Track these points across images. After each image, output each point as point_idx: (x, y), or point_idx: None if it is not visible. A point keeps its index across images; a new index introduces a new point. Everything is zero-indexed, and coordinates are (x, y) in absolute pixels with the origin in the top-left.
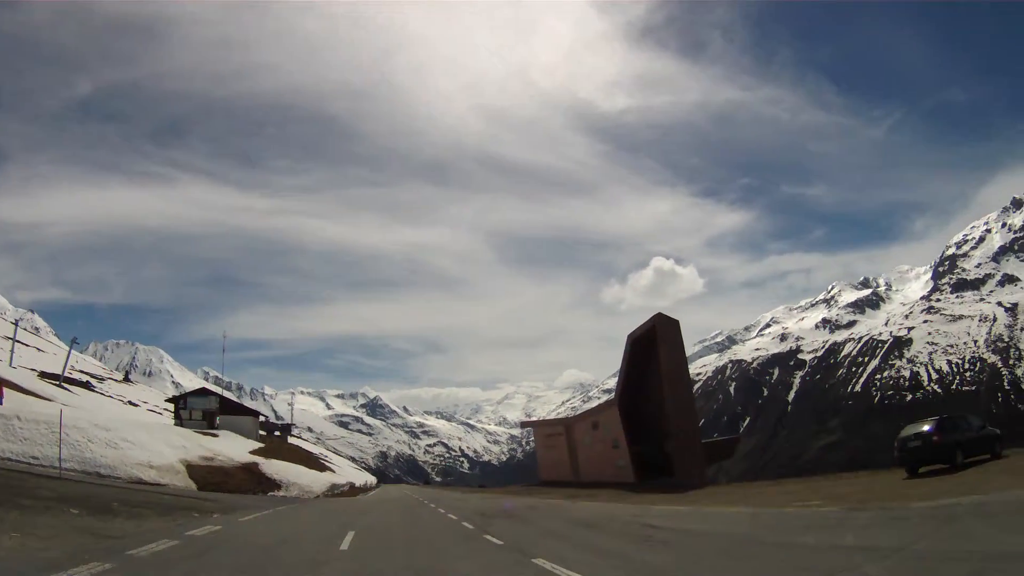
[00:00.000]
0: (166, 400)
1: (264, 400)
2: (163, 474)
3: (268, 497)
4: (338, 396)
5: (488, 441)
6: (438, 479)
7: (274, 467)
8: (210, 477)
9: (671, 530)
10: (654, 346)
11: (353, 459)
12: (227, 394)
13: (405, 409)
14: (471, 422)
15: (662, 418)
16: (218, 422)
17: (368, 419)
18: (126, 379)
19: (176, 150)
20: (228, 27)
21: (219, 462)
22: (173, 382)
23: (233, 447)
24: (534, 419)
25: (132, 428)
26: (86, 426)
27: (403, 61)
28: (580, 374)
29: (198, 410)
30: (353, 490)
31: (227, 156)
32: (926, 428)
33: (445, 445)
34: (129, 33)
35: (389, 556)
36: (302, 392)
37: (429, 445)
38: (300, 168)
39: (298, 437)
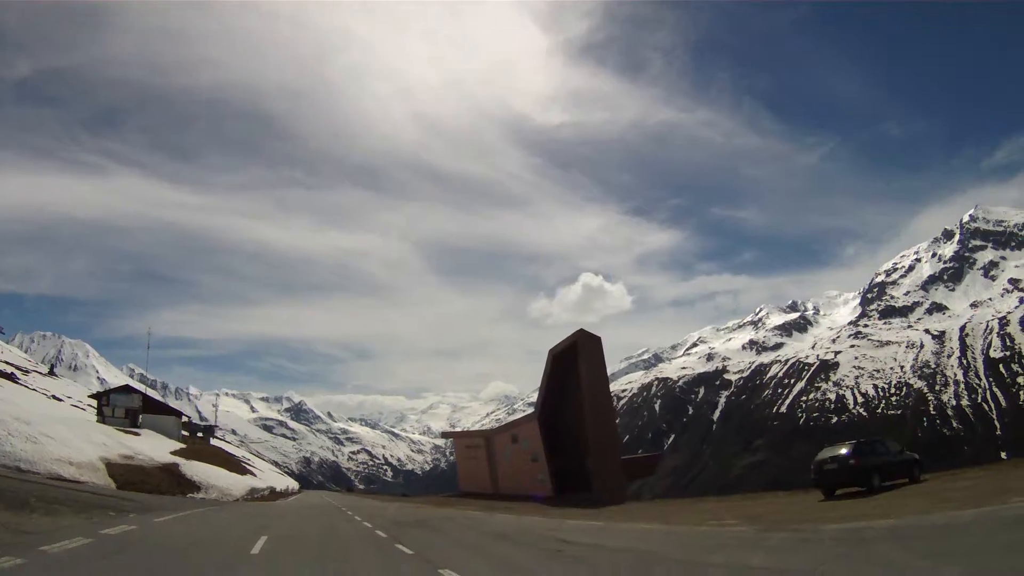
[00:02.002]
0: (89, 396)
1: (189, 400)
2: (83, 471)
3: (187, 499)
4: (263, 399)
5: (412, 450)
6: (361, 486)
7: (194, 469)
8: (129, 476)
9: (583, 545)
10: (575, 361)
11: (276, 463)
12: (152, 392)
13: (330, 415)
14: (395, 430)
15: (582, 433)
16: (140, 421)
17: (292, 423)
18: (51, 373)
19: (111, 140)
20: (170, 17)
21: (139, 461)
22: (98, 378)
23: (154, 447)
24: (455, 430)
25: (53, 423)
26: (7, 419)
27: (342, 64)
28: (505, 386)
29: (121, 408)
30: (273, 495)
31: (161, 149)
32: (843, 451)
33: (369, 453)
34: (73, 16)
35: (299, 562)
36: (227, 394)
37: (353, 452)
38: (234, 165)
39: (222, 439)
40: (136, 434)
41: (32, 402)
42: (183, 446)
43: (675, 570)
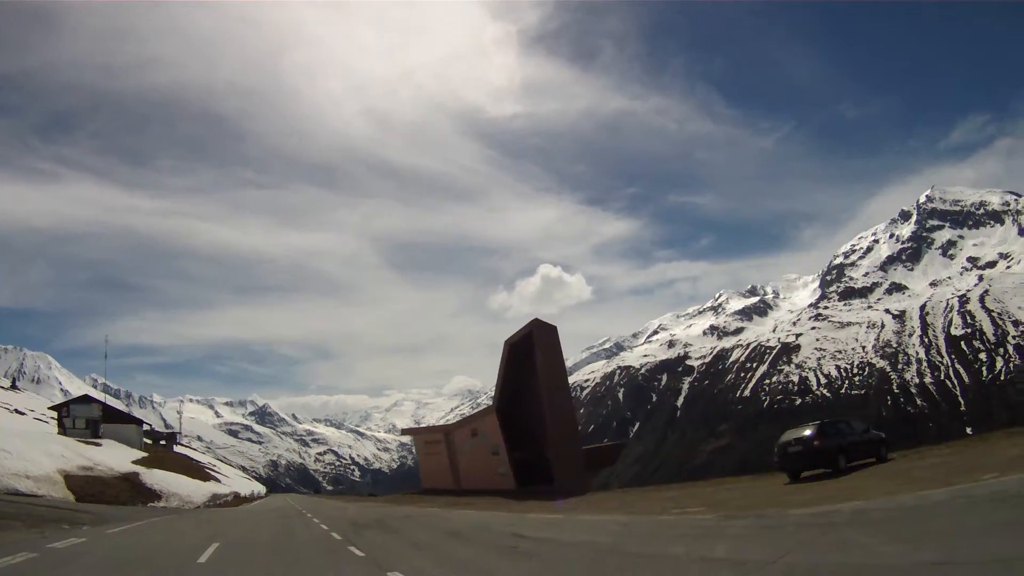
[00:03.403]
0: (49, 408)
1: (153, 408)
2: (40, 485)
3: (147, 508)
4: (227, 404)
5: (378, 449)
6: (329, 488)
7: (155, 477)
8: (89, 488)
9: (539, 540)
10: (532, 351)
11: (244, 468)
12: (115, 402)
13: (294, 417)
14: (360, 429)
15: (541, 424)
16: (101, 431)
17: (257, 427)
18: (13, 387)
19: (63, 146)
20: (120, 18)
21: (99, 472)
22: (62, 389)
23: (115, 457)
24: (414, 426)
25: (10, 437)
26: None
27: (293, 61)
28: (469, 380)
29: (81, 418)
30: (237, 500)
31: (114, 153)
32: (807, 433)
33: (335, 453)
34: (21, 19)
35: (244, 569)
36: (191, 400)
37: (319, 453)
38: (187, 168)
39: (187, 446)
40: (97, 444)
41: None
42: (145, 455)
43: (629, 564)
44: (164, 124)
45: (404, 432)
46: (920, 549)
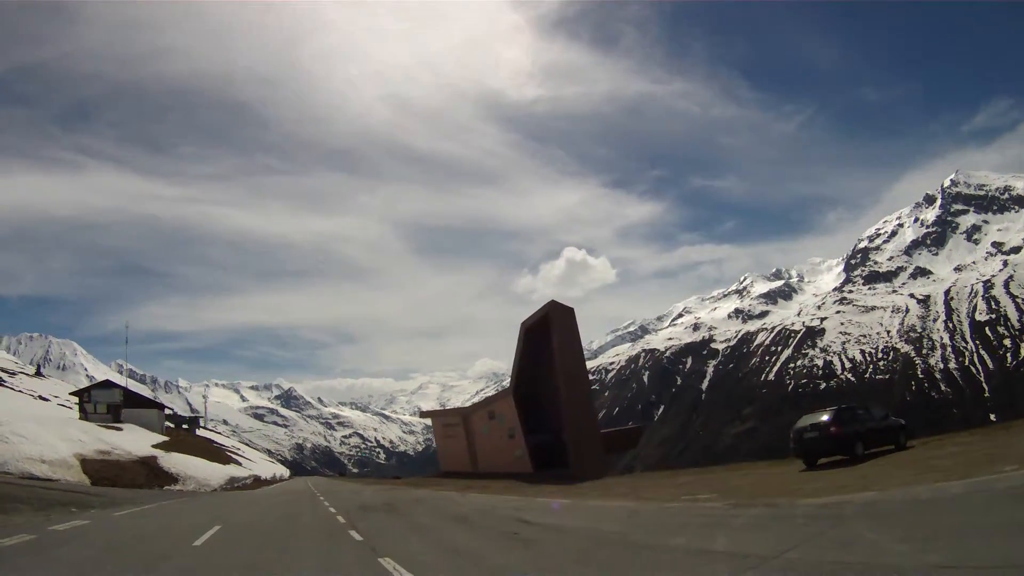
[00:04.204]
0: (70, 393)
1: (179, 393)
2: (56, 469)
3: (163, 491)
4: (252, 388)
5: (403, 431)
6: (355, 470)
7: (173, 461)
8: (105, 471)
9: (543, 527)
10: (549, 334)
11: (269, 451)
12: (140, 387)
13: (320, 400)
14: (386, 412)
15: (558, 407)
16: (123, 415)
17: (283, 411)
18: (38, 373)
19: (83, 135)
20: (137, 8)
21: (116, 456)
22: (87, 376)
23: (135, 441)
24: (433, 409)
25: (26, 422)
26: None
27: (312, 48)
28: (493, 363)
29: (103, 403)
30: (256, 483)
31: (134, 142)
32: (824, 418)
33: (361, 436)
34: (39, 11)
35: (237, 552)
36: (216, 384)
37: (345, 436)
38: (208, 155)
39: (212, 430)
40: (118, 429)
41: (12, 403)
42: (166, 439)
43: (629, 555)
44: (184, 112)
45: (423, 415)
46: (929, 549)
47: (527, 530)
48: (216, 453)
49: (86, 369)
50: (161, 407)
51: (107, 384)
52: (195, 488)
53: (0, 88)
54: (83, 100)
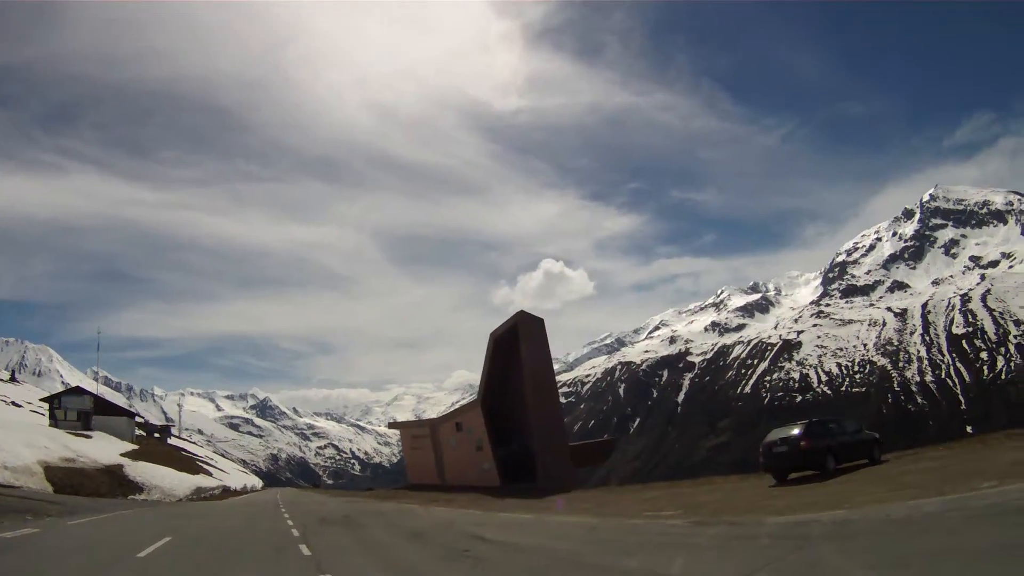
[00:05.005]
0: (40, 400)
1: (154, 401)
2: (17, 475)
3: (126, 500)
4: (228, 397)
5: (378, 443)
6: (330, 482)
7: (140, 469)
8: (69, 480)
9: (497, 544)
10: (517, 344)
11: (244, 462)
12: (116, 395)
13: (295, 410)
14: (361, 423)
15: (527, 419)
16: (93, 423)
17: (258, 420)
18: (12, 379)
19: (65, 137)
20: (119, 9)
21: (81, 464)
22: (63, 382)
23: (103, 449)
24: (401, 421)
25: None
26: None
27: (295, 53)
28: (469, 375)
29: (72, 410)
30: (225, 493)
31: (116, 145)
32: (794, 432)
33: (336, 447)
34: (22, 10)
35: (178, 565)
36: (192, 393)
37: (320, 447)
38: (190, 160)
39: (186, 439)
40: (87, 436)
41: None
42: (135, 447)
43: None
44: (166, 115)
45: (391, 426)
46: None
47: (480, 547)
48: (186, 463)
49: (62, 375)
50: (132, 415)
51: (78, 391)
52: (160, 498)
53: None
54: (66, 102)
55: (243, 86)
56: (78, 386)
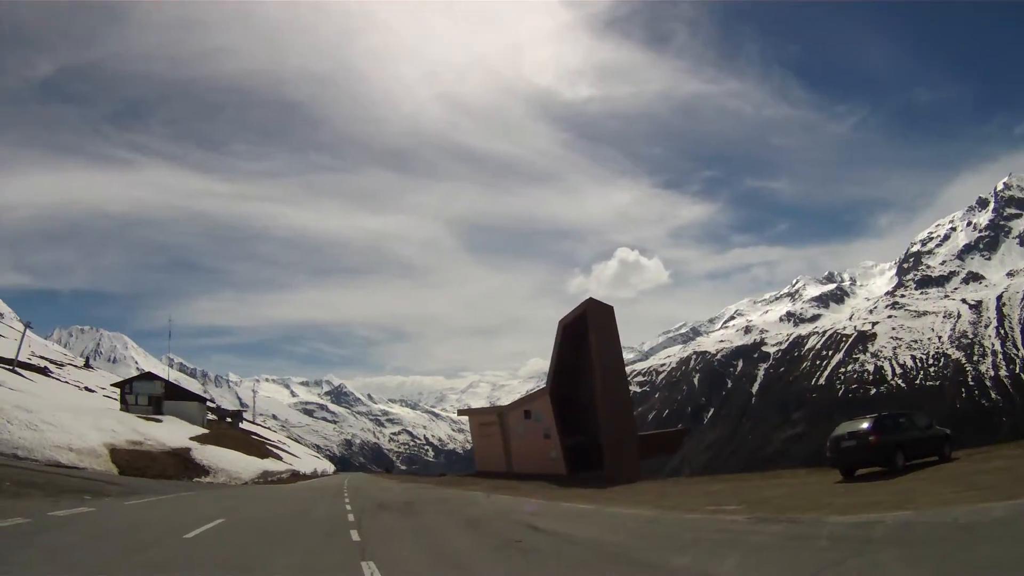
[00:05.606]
0: (112, 385)
1: (229, 387)
2: (83, 457)
3: (191, 483)
4: (302, 383)
5: (452, 429)
6: (403, 467)
7: (207, 453)
8: (134, 462)
9: (550, 535)
10: (586, 332)
11: (318, 447)
12: (190, 381)
13: (370, 397)
14: (436, 410)
15: (594, 408)
16: (165, 407)
17: (333, 407)
18: (87, 365)
19: (136, 133)
20: (188, 8)
21: (148, 447)
22: (137, 368)
23: (171, 432)
24: (470, 408)
25: (56, 411)
26: (6, 407)
27: (364, 47)
28: (544, 363)
29: (144, 395)
30: (293, 477)
31: (187, 140)
32: (863, 426)
33: (410, 433)
34: (90, 12)
35: (222, 548)
36: (267, 379)
37: (394, 433)
38: (261, 153)
39: (260, 424)
40: (157, 421)
41: (53, 393)
42: (205, 431)
43: (617, 575)
44: (236, 110)
45: (461, 413)
46: None
47: (533, 538)
48: (255, 447)
49: (136, 362)
50: (203, 400)
51: (149, 376)
52: (225, 481)
53: (53, 88)
54: (135, 99)
55: (313, 81)
56: (149, 372)
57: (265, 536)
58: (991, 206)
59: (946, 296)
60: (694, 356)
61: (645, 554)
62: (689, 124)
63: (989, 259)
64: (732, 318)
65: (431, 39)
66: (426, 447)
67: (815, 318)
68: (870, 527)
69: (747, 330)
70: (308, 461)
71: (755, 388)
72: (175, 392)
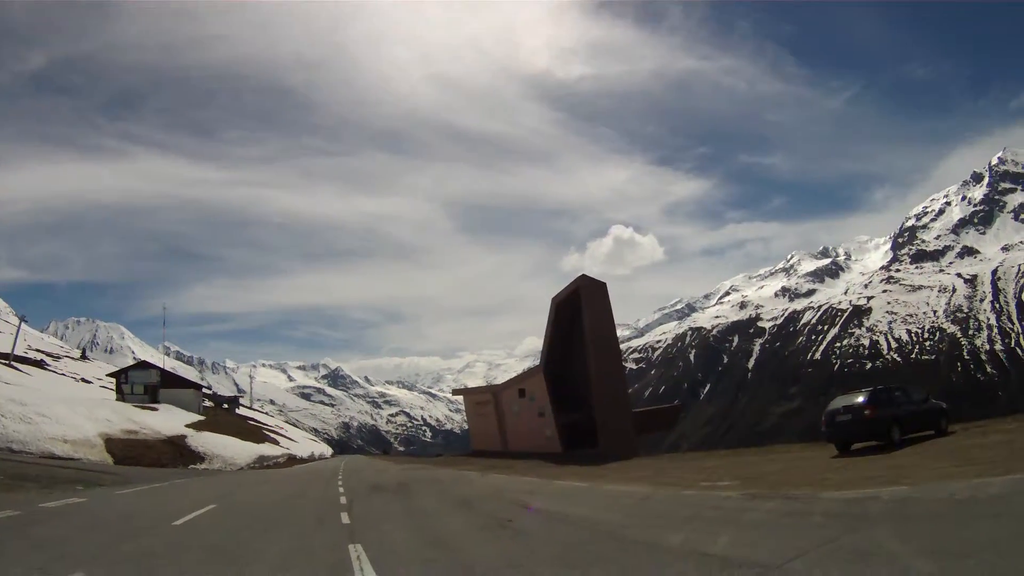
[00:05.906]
0: (107, 375)
1: (226, 373)
2: (77, 448)
3: (186, 470)
4: (299, 368)
5: (450, 409)
6: (401, 448)
7: (202, 440)
8: (129, 451)
9: (544, 514)
10: (579, 309)
11: (316, 430)
12: (187, 368)
13: (367, 379)
14: (432, 391)
15: (588, 385)
16: (160, 396)
17: (330, 390)
18: (83, 357)
19: (129, 123)
20: None
21: (143, 435)
22: (134, 358)
23: (167, 421)
24: (464, 387)
25: (51, 403)
26: (0, 401)
27: (357, 31)
28: (539, 342)
29: (139, 384)
30: (290, 462)
31: (180, 128)
32: (858, 400)
33: (407, 414)
34: (81, 4)
35: (211, 534)
36: (263, 364)
37: (391, 415)
38: (255, 138)
39: (257, 410)
40: (153, 409)
41: (48, 386)
42: (201, 418)
43: (606, 554)
44: (229, 97)
45: (456, 392)
46: (959, 569)
47: (524, 518)
48: (251, 432)
49: (133, 352)
50: (199, 387)
51: (144, 365)
52: (221, 467)
53: (46, 80)
54: (127, 89)
55: (306, 66)
56: (144, 360)
57: (255, 521)
58: (986, 180)
59: (941, 270)
60: (690, 332)
61: (637, 532)
62: (683, 101)
63: (984, 233)
64: (727, 294)
65: (424, 22)
66: (424, 428)
67: (810, 293)
68: (865, 503)
69: (742, 306)
70: (305, 445)
71: (751, 364)
72: (171, 380)
